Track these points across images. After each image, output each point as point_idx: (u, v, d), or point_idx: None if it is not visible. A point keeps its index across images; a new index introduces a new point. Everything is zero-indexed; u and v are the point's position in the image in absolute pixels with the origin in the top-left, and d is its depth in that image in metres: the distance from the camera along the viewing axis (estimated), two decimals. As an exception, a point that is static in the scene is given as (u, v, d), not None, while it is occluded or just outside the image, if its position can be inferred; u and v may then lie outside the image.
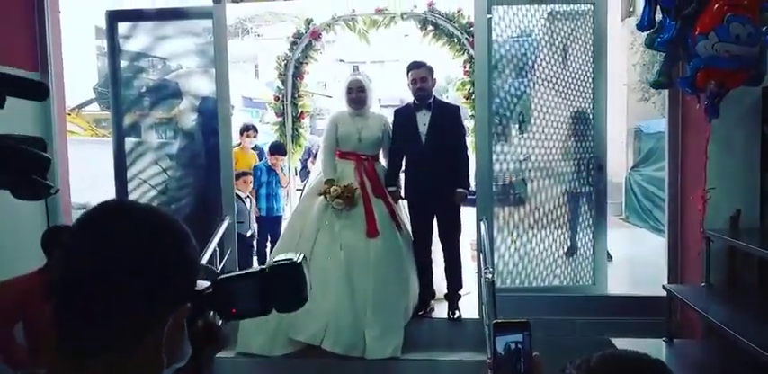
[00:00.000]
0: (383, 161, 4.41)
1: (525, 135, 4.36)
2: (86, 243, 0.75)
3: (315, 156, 6.23)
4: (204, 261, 3.73)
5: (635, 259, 5.96)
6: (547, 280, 4.18)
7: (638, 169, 9.23)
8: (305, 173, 6.33)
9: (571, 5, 4.29)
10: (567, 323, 3.68)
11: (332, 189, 4.09)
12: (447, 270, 4.26)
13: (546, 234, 4.24)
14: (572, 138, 4.33)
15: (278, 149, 5.62)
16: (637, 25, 3.22)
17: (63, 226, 3.30)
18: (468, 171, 4.26)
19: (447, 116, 4.18)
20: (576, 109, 4.28)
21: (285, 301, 0.84)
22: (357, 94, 4.23)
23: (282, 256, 0.85)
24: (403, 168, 4.30)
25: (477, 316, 4.01)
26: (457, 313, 4.15)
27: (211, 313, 0.85)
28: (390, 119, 4.37)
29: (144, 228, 0.77)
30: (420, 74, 4.16)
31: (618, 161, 9.00)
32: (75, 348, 0.74)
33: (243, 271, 0.84)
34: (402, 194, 4.27)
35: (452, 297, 4.21)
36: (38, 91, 1.08)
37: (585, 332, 3.60)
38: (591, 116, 4.24)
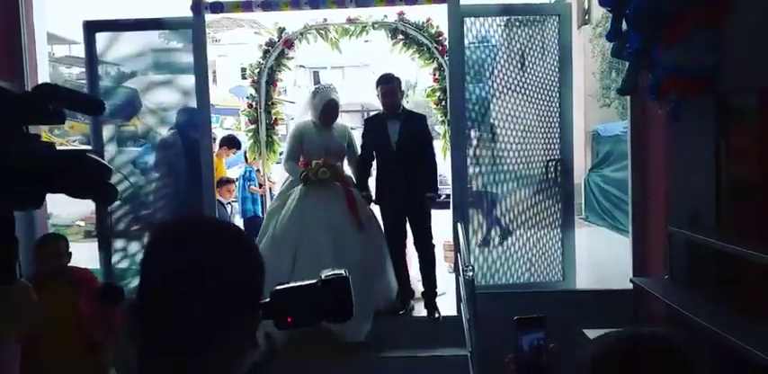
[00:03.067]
0: (347, 168, 4.54)
1: (494, 138, 4.56)
2: (175, 253, 0.84)
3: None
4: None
5: (596, 256, 6.22)
6: (521, 278, 4.39)
7: (596, 170, 9.60)
8: None
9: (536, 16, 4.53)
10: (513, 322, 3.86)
11: (313, 163, 4.17)
12: (423, 271, 4.40)
13: (519, 234, 4.44)
14: (538, 142, 4.55)
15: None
16: (606, 36, 3.44)
17: (56, 234, 3.34)
18: (435, 176, 4.48)
19: (415, 124, 4.37)
20: (541, 114, 4.51)
21: (335, 312, 0.94)
22: (333, 113, 4.36)
23: (329, 271, 0.95)
24: (373, 174, 4.47)
25: (455, 314, 4.18)
26: (437, 314, 4.26)
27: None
28: (350, 124, 4.53)
29: (224, 240, 0.87)
30: (390, 88, 4.35)
31: (577, 163, 9.33)
32: (163, 350, 0.82)
33: (297, 284, 0.94)
34: (373, 199, 4.42)
35: (431, 296, 4.35)
36: (95, 106, 1.13)
37: (558, 324, 3.79)
38: (557, 120, 4.48)
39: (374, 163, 4.55)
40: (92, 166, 1.04)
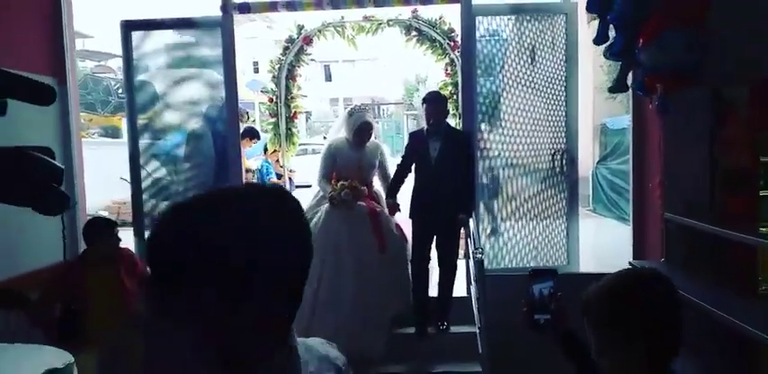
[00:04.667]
0: (376, 183, 4.71)
1: (503, 132, 4.81)
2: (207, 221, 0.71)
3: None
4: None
5: (602, 245, 6.48)
6: (528, 262, 4.67)
7: (604, 163, 9.82)
8: None
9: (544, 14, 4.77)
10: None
11: (339, 184, 4.35)
12: (440, 289, 4.40)
13: (536, 223, 4.71)
14: (545, 134, 4.79)
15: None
16: (593, 40, 3.69)
17: (102, 217, 3.63)
18: (472, 196, 4.44)
19: (457, 143, 4.37)
20: (549, 106, 4.75)
21: None
22: (366, 134, 4.51)
23: None
24: (412, 187, 4.47)
25: (465, 295, 4.44)
26: (445, 324, 4.35)
27: None
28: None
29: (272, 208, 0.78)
30: (435, 107, 4.37)
31: (585, 155, 9.56)
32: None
33: None
34: (400, 208, 4.49)
35: (443, 308, 4.39)
36: (45, 95, 0.87)
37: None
38: (563, 113, 4.73)
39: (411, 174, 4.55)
40: (34, 169, 0.92)
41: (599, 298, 1.37)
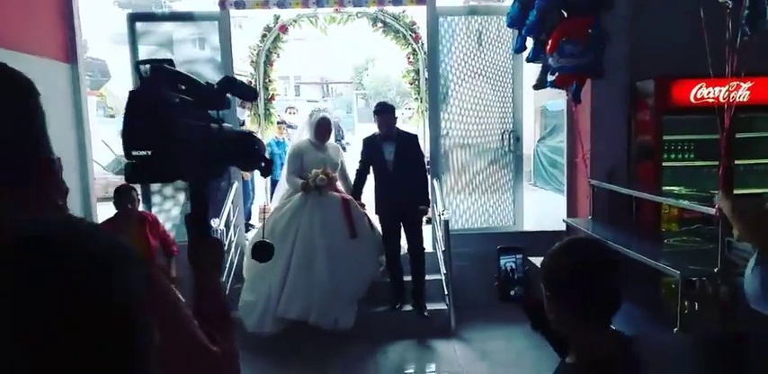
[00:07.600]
0: (339, 183, 4.97)
1: (450, 110, 5.56)
2: None
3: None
4: (225, 214, 4.79)
5: (542, 211, 7.44)
6: (482, 223, 5.56)
7: (543, 141, 10.85)
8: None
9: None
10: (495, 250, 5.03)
11: (312, 172, 4.66)
12: (413, 274, 4.83)
13: (489, 194, 5.58)
14: (494, 115, 5.63)
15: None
16: (514, 49, 4.51)
17: (128, 185, 4.23)
18: (427, 190, 4.99)
19: (408, 145, 4.82)
20: (497, 92, 5.59)
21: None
22: (325, 128, 4.83)
23: None
24: (373, 186, 4.87)
25: (431, 250, 5.28)
26: (426, 312, 4.75)
27: None
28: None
29: None
30: (385, 118, 4.78)
31: (528, 135, 10.51)
32: None
33: None
34: (365, 207, 4.91)
35: (419, 297, 4.80)
36: (254, 95, 1.32)
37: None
38: (510, 98, 5.59)
39: (369, 177, 4.95)
40: (258, 145, 1.26)
41: (544, 265, 1.46)
